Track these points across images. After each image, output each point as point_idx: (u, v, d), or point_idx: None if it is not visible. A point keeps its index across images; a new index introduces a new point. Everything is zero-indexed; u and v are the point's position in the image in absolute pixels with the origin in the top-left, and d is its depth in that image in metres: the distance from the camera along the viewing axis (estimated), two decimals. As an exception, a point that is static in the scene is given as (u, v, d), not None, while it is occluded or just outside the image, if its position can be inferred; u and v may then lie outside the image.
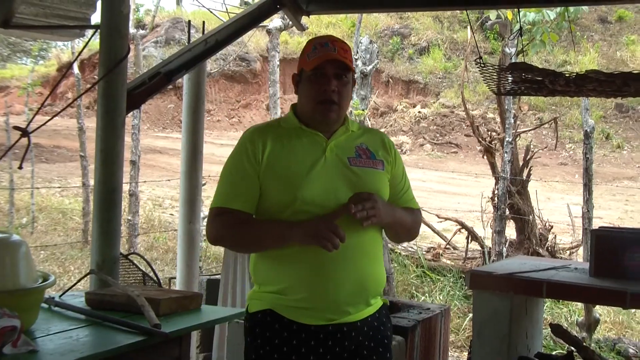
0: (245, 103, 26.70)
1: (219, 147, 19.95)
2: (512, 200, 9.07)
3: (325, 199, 2.51)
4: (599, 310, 6.94)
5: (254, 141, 2.62)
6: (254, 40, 24.50)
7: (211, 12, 7.66)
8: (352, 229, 2.46)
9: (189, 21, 5.24)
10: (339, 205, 2.48)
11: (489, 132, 10.01)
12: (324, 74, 2.55)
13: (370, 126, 2.93)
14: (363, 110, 8.29)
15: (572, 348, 4.26)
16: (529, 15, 7.99)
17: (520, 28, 4.71)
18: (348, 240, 2.43)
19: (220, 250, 10.15)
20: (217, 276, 5.67)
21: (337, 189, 2.53)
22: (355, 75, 2.68)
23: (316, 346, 2.53)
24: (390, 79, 26.12)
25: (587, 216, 7.96)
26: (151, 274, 4.50)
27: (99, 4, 3.87)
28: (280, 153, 2.58)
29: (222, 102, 26.61)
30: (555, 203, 13.65)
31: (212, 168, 15.21)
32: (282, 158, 2.57)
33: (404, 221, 2.71)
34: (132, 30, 10.28)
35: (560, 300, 7.54)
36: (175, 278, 5.43)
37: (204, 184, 5.95)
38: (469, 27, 9.61)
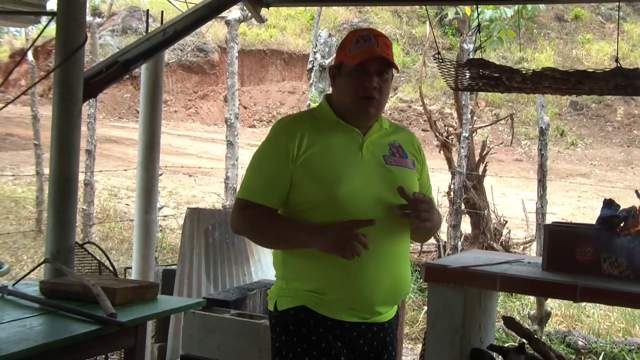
0: (203, 94, 26.51)
1: (175, 138, 19.84)
2: (468, 195, 9.18)
3: (362, 197, 2.44)
4: (550, 303, 7.07)
5: (289, 133, 2.51)
6: (212, 31, 24.35)
7: (169, 1, 7.60)
8: (388, 231, 2.46)
9: (147, 10, 5.20)
10: (374, 204, 2.44)
11: (446, 127, 10.10)
12: (366, 70, 2.48)
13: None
14: (322, 103, 8.30)
15: (524, 340, 4.34)
16: (487, 12, 8.07)
17: (479, 25, 4.76)
18: (384, 242, 2.44)
19: (176, 241, 10.11)
20: (173, 267, 5.65)
21: (374, 187, 2.47)
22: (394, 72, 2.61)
23: (349, 343, 2.51)
24: (349, 73, 26.20)
25: (541, 212, 8.10)
26: (107, 263, 4.46)
27: (55, -9, 3.82)
28: (317, 148, 2.49)
29: (180, 93, 26.40)
30: (510, 198, 13.84)
31: (168, 159, 15.15)
32: (319, 153, 2.48)
33: (438, 221, 2.67)
34: (88, 18, 10.14)
35: (513, 294, 7.66)
36: (130, 268, 5.39)
37: (161, 175, 5.91)
38: (427, 22, 9.69)
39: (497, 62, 4.33)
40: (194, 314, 4.01)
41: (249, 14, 7.82)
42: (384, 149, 2.57)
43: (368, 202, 2.44)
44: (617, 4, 4.26)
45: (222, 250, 5.21)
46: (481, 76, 4.30)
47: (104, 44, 23.27)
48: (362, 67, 2.48)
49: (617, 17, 25.23)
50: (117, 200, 13.55)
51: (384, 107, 2.58)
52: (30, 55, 12.65)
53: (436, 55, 4.30)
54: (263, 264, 5.47)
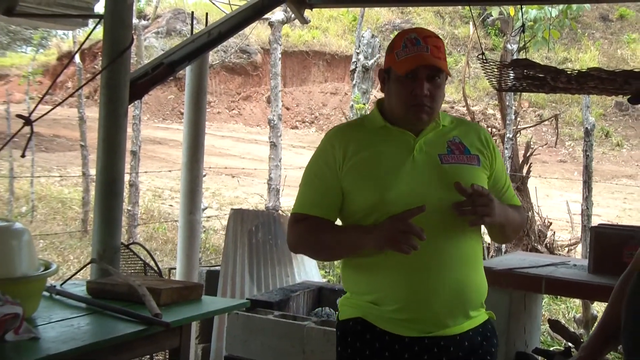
0: (246, 95, 26.67)
1: (219, 139, 20.00)
2: (512, 196, 9.07)
3: (415, 201, 2.27)
4: (597, 307, 6.96)
5: (334, 144, 2.46)
6: (255, 33, 24.47)
7: (213, 3, 7.65)
8: (447, 233, 2.33)
9: (192, 12, 5.24)
10: (430, 205, 2.25)
11: (490, 128, 10.01)
12: (416, 76, 2.35)
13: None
14: (364, 104, 8.29)
15: (570, 344, 4.28)
16: (531, 12, 7.99)
17: (523, 24, 4.71)
18: (444, 245, 2.31)
19: (220, 242, 10.17)
20: (217, 267, 5.68)
21: (428, 189, 2.33)
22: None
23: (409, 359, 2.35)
24: (391, 74, 26.11)
25: (586, 213, 7.98)
26: (152, 263, 4.51)
27: (102, -6, 3.87)
28: (364, 154, 2.41)
29: (223, 94, 26.59)
30: (554, 200, 13.66)
31: (212, 160, 15.26)
32: (366, 159, 2.40)
33: (514, 220, 2.50)
34: (134, 20, 10.27)
35: (559, 297, 7.56)
36: (174, 269, 5.45)
37: (205, 175, 5.96)
38: (471, 22, 9.61)
39: (541, 63, 4.28)
40: (238, 315, 4.03)
41: (292, 16, 7.85)
42: (440, 147, 2.41)
43: (422, 204, 2.25)
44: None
45: (265, 251, 5.23)
46: (526, 76, 4.26)
47: (149, 46, 23.55)
48: (412, 74, 2.35)
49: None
50: (161, 201, 13.71)
51: (438, 110, 2.44)
52: (77, 58, 12.85)
53: (480, 56, 4.27)
54: (306, 266, 5.48)
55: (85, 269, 3.62)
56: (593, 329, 2.17)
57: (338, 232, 2.43)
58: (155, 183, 14.91)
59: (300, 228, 2.47)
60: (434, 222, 2.27)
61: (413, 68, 2.33)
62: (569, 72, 4.07)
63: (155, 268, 4.46)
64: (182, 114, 21.61)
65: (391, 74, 2.44)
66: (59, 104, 4.16)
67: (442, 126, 2.47)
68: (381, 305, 2.36)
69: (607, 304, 2.18)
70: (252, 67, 26.89)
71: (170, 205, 13.12)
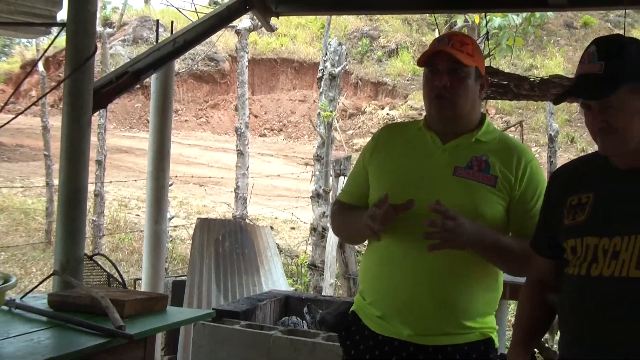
0: (214, 103, 26.58)
1: (186, 148, 19.89)
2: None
3: (418, 205, 2.25)
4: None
5: (374, 138, 2.62)
6: (222, 40, 24.42)
7: (180, 11, 7.63)
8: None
9: (157, 20, 5.21)
10: (428, 211, 2.21)
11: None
12: (437, 69, 2.38)
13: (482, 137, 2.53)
14: (331, 111, 8.30)
15: (535, 349, 4.31)
16: (496, 20, 8.07)
17: (487, 32, 4.76)
18: (429, 254, 2.23)
19: (187, 251, 10.11)
20: (183, 277, 5.64)
21: (432, 197, 2.24)
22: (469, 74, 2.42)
23: (381, 357, 2.38)
24: (359, 81, 26.17)
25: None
26: (116, 275, 4.46)
27: (65, 2, 3.83)
28: (387, 151, 2.51)
29: (190, 102, 26.47)
30: (521, 206, 13.78)
31: (179, 168, 15.18)
32: (387, 156, 2.49)
33: (505, 251, 2.35)
34: (99, 28, 10.18)
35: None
36: (140, 279, 5.39)
37: (171, 185, 5.91)
38: (436, 30, 9.72)
39: (507, 69, 4.33)
40: (204, 325, 4.00)
41: (259, 23, 7.83)
42: (462, 160, 2.37)
43: (421, 207, 2.23)
44: (624, 11, 4.24)
45: (232, 261, 5.21)
46: (490, 84, 4.30)
47: (115, 53, 23.38)
48: (434, 67, 2.40)
49: (624, 24, 25.14)
50: (127, 210, 13.59)
51: (465, 109, 2.41)
52: (40, 66, 12.70)
53: (446, 64, 4.29)
54: (273, 274, 5.46)
55: (47, 281, 3.57)
56: (513, 333, 2.23)
57: (350, 215, 2.58)
58: (122, 192, 14.78)
59: (332, 211, 2.80)
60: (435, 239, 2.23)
61: (428, 56, 2.41)
62: (531, 80, 4.12)
63: (120, 279, 4.41)
64: (148, 122, 21.51)
65: (423, 75, 2.49)
66: (22, 112, 4.11)
67: (476, 139, 2.43)
68: (365, 298, 2.47)
69: (519, 309, 2.29)
70: (220, 74, 26.81)
71: (137, 215, 13.00)
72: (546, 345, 4.59)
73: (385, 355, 2.37)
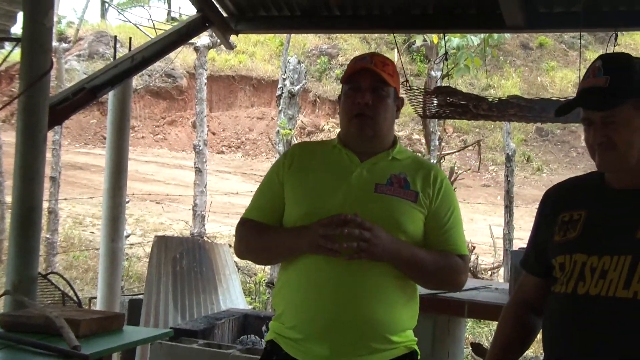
0: (171, 120, 26.41)
1: (143, 164, 19.71)
2: (436, 221, 9.21)
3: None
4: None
5: (286, 155, 2.55)
6: (180, 57, 24.31)
7: (137, 27, 7.58)
8: (358, 262, 2.26)
9: (115, 37, 5.17)
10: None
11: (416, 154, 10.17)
12: (359, 87, 2.40)
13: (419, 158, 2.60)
14: (290, 129, 8.31)
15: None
16: (454, 40, 8.18)
17: (446, 52, 4.81)
18: (356, 273, 2.26)
19: (143, 269, 9.99)
20: (140, 296, 5.57)
21: (354, 211, 2.26)
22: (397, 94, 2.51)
23: None
24: (317, 99, 26.27)
25: (507, 237, 8.16)
26: (71, 293, 4.39)
27: (20, 16, 3.78)
28: (305, 168, 2.46)
29: (147, 119, 26.26)
30: (478, 224, 13.92)
31: (135, 185, 15.02)
32: (304, 173, 2.45)
33: (420, 264, 2.37)
34: (54, 43, 10.07)
35: (482, 320, 7.66)
36: (96, 298, 5.31)
37: (127, 202, 5.84)
38: (395, 50, 9.79)
39: (465, 89, 4.40)
40: (161, 344, 3.95)
41: (218, 41, 7.82)
42: (382, 178, 2.39)
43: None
44: (579, 33, 4.34)
45: (190, 279, 5.16)
46: (449, 104, 4.36)
47: (70, 69, 23.12)
48: (355, 84, 2.41)
49: (579, 45, 25.68)
50: (82, 228, 13.40)
51: (385, 127, 2.44)
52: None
53: (405, 83, 4.33)
54: (232, 293, 5.43)
55: (-1, 300, 3.49)
56: (488, 351, 2.24)
57: (275, 233, 2.46)
58: (76, 210, 14.55)
59: (242, 230, 2.51)
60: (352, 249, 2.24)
61: (353, 72, 2.41)
62: (490, 100, 4.18)
63: (75, 298, 4.34)
64: (104, 138, 21.26)
65: (342, 92, 2.49)
66: (-26, 128, 4.03)
67: (392, 158, 2.46)
68: (284, 323, 2.38)
69: (498, 328, 2.27)
70: (178, 91, 26.67)
71: (92, 233, 12.82)
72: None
73: None
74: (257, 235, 2.48)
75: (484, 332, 7.79)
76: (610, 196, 2.02)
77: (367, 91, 2.38)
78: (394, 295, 2.35)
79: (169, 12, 22.80)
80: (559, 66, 27.50)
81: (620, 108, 1.90)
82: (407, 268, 2.35)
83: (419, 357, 2.49)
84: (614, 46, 4.47)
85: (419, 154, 10.10)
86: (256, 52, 27.81)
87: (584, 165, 22.72)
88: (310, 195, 2.39)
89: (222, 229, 12.61)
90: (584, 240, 1.97)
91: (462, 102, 4.27)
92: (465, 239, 2.56)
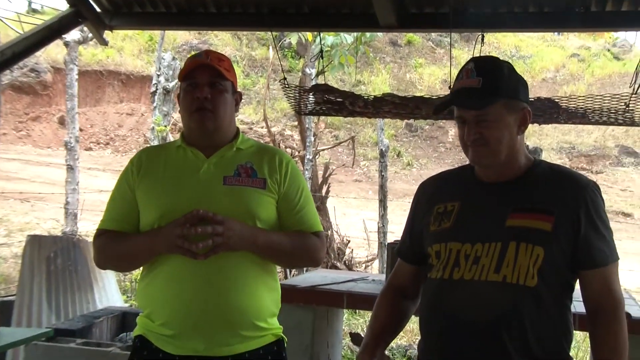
0: (35, 116, 25.39)
1: (5, 162, 18.88)
2: (311, 216, 9.35)
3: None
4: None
5: (133, 162, 2.55)
6: (45, 51, 23.49)
7: (3, 21, 7.29)
8: (225, 254, 2.34)
9: (-18, 29, 4.98)
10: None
11: (288, 149, 10.28)
12: (197, 82, 2.47)
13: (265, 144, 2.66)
14: (165, 126, 8.23)
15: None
16: (328, 38, 8.34)
17: (322, 50, 4.92)
18: (218, 266, 2.33)
19: (10, 271, 9.63)
20: (10, 297, 5.41)
21: (206, 208, 2.33)
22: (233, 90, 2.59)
23: None
24: (190, 95, 25.99)
25: (382, 230, 8.40)
26: None
27: None
28: (153, 172, 2.50)
29: (9, 114, 25.13)
30: (351, 218, 14.20)
31: (-2, 183, 14.39)
32: (153, 177, 2.49)
33: (277, 247, 2.48)
34: None
35: (357, 311, 7.87)
36: (-38, 300, 5.12)
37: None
38: (271, 47, 9.87)
39: (336, 85, 4.52)
40: (37, 345, 3.86)
41: (89, 35, 7.65)
42: (229, 169, 2.49)
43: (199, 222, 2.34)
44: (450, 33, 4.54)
45: (64, 278, 5.07)
46: (325, 101, 4.47)
47: None
48: (193, 81, 2.47)
49: (446, 43, 26.57)
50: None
51: (225, 120, 2.52)
52: None
53: (282, 81, 4.42)
54: (108, 291, 5.36)
55: None
56: (365, 336, 2.37)
57: (133, 239, 2.47)
58: None
59: (100, 241, 2.53)
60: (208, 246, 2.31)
61: (190, 69, 2.47)
62: (365, 97, 4.33)
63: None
64: (-36, 135, 20.22)
65: (180, 90, 2.55)
66: None
67: (236, 149, 2.55)
68: (153, 320, 2.42)
69: (373, 313, 2.37)
70: (42, 86, 25.67)
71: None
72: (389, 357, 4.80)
73: None
74: (114, 245, 2.49)
75: (359, 323, 7.99)
76: (481, 189, 2.18)
77: (204, 86, 2.46)
78: (255, 281, 2.45)
79: (29, 3, 21.87)
80: (426, 63, 28.41)
81: (492, 107, 2.05)
82: (265, 253, 2.46)
83: (285, 344, 2.60)
84: (481, 45, 4.73)
85: (291, 149, 10.25)
86: (125, 46, 27.18)
87: (452, 159, 23.62)
88: (161, 198, 2.44)
89: (94, 228, 12.29)
90: (457, 230, 2.13)
91: (339, 100, 4.40)
92: (317, 216, 2.68)
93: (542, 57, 28.66)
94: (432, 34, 28.05)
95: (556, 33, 28.52)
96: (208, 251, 2.29)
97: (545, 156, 23.21)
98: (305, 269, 8.57)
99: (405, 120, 22.84)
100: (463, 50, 26.35)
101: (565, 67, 28.17)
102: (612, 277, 2.09)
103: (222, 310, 2.36)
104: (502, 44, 29.31)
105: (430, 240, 2.20)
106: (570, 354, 2.15)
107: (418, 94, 4.61)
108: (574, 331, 2.19)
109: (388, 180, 9.39)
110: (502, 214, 2.08)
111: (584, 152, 23.98)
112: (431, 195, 2.30)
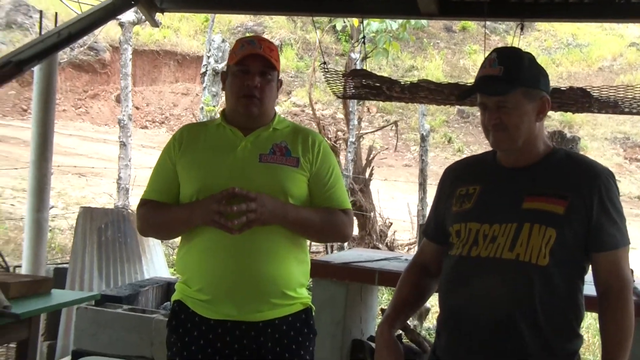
0: (93, 93, 25.92)
1: (65, 138, 19.36)
2: (355, 198, 9.52)
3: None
4: (431, 300, 7.43)
5: (175, 138, 2.72)
6: (103, 30, 23.93)
7: (63, 2, 7.56)
8: (248, 230, 2.48)
9: (41, 12, 5.24)
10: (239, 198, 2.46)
11: (338, 132, 10.43)
12: (248, 70, 2.60)
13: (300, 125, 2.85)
14: (214, 106, 8.44)
15: (401, 331, 4.67)
16: (373, 24, 8.42)
17: (364, 37, 5.05)
18: (252, 237, 2.49)
19: (66, 241, 10.00)
20: (65, 265, 5.68)
21: (244, 184, 2.49)
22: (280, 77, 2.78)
23: (215, 340, 2.55)
24: (242, 76, 26.18)
25: (421, 214, 8.51)
26: (-1, 260, 4.49)
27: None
28: (193, 148, 2.65)
29: (69, 92, 25.69)
30: (399, 202, 14.26)
31: (58, 158, 14.78)
32: (193, 152, 2.64)
33: (307, 222, 2.64)
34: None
35: (393, 288, 7.99)
36: (20, 266, 5.40)
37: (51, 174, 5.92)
38: (317, 31, 9.99)
39: (389, 70, 4.68)
40: (87, 308, 4.09)
41: (143, 17, 7.88)
42: (264, 148, 2.63)
43: (235, 198, 2.47)
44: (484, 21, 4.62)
45: (114, 249, 5.29)
46: (364, 85, 4.60)
47: (-12, 38, 22.51)
48: (245, 67, 2.60)
49: (501, 30, 26.27)
50: (1, 200, 13.20)
51: (269, 107, 2.68)
52: None
53: (322, 65, 4.56)
54: (155, 262, 5.59)
55: None
56: (388, 305, 2.53)
57: (172, 210, 2.65)
58: (-4, 182, 14.30)
59: (143, 210, 2.70)
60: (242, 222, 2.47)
61: (245, 55, 2.60)
62: (402, 83, 4.45)
63: (3, 263, 4.44)
64: (24, 110, 20.74)
65: (229, 72, 2.70)
66: None
67: (273, 129, 2.70)
68: (190, 286, 2.61)
69: (397, 287, 2.49)
70: (100, 64, 26.16)
71: (12, 205, 12.65)
72: (412, 328, 4.95)
73: (219, 337, 2.56)
74: (155, 214, 2.67)
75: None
76: (500, 173, 2.32)
77: (256, 75, 2.61)
78: (285, 254, 2.61)
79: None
80: (480, 50, 28.07)
81: (512, 95, 2.19)
82: (295, 227, 2.62)
83: (313, 313, 2.77)
84: (520, 35, 4.82)
85: (339, 132, 10.38)
86: (181, 27, 27.51)
87: (501, 146, 23.42)
88: (200, 172, 2.60)
89: (144, 202, 12.58)
90: (477, 211, 2.28)
91: (377, 84, 4.53)
92: (346, 194, 2.84)
93: (600, 46, 28.07)
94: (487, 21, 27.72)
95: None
96: (242, 226, 2.45)
97: (598, 146, 22.93)
98: (347, 248, 8.75)
99: (458, 107, 22.74)
100: (517, 37, 26.09)
101: (622, 56, 27.57)
102: (621, 260, 2.20)
103: (253, 279, 2.53)
104: (558, 32, 28.82)
105: (452, 220, 2.34)
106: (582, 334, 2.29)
107: (471, 82, 4.71)
108: (586, 312, 2.30)
109: (437, 165, 9.48)
110: (519, 197, 2.22)
111: (638, 143, 23.56)
112: (455, 178, 2.44)
